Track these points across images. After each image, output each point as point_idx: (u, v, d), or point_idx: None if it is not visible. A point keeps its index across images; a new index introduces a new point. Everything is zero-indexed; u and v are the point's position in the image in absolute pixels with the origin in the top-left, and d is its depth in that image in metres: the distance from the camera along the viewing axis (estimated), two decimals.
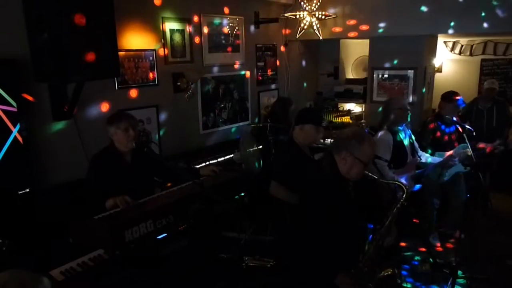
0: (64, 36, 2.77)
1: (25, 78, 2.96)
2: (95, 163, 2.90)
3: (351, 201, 2.36)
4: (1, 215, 2.71)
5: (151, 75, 4.00)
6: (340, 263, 2.24)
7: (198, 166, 3.84)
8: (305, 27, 5.00)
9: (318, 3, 4.87)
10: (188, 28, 4.35)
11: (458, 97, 4.30)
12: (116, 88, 3.70)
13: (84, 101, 3.42)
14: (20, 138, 2.92)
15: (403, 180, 3.77)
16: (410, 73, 5.34)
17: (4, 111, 2.82)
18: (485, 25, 4.55)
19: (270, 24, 5.44)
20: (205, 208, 2.81)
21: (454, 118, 4.25)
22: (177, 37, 4.23)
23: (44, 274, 1.85)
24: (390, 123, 3.91)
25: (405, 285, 3.44)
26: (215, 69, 4.77)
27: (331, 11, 5.27)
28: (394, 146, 3.88)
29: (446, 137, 4.37)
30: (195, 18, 4.44)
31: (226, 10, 4.82)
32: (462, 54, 6.79)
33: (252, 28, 5.22)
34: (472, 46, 6.66)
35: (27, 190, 2.97)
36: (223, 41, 4.81)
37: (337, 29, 5.45)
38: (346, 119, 6.03)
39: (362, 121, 5.86)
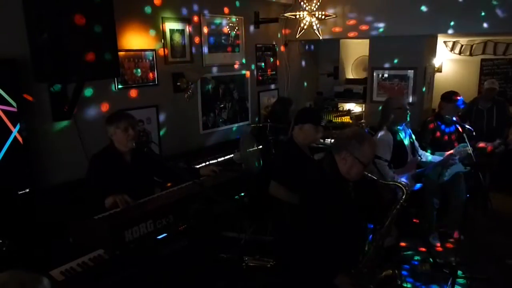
0: (64, 36, 2.77)
1: (25, 78, 2.96)
2: (95, 163, 2.90)
3: (351, 201, 2.36)
4: (1, 215, 2.71)
5: (151, 75, 4.00)
6: (340, 263, 2.24)
7: (198, 166, 3.84)
8: (305, 27, 5.00)
9: (318, 3, 4.87)
10: (188, 28, 4.34)
11: (458, 97, 4.30)
12: (116, 88, 3.71)
13: (84, 101, 3.42)
14: (20, 138, 2.92)
15: (403, 180, 3.77)
16: (410, 73, 5.34)
17: (4, 111, 2.82)
18: (485, 25, 4.55)
19: (270, 24, 5.44)
20: (205, 208, 2.81)
21: (454, 118, 4.25)
22: (177, 37, 4.23)
23: (44, 274, 1.85)
24: (389, 123, 3.91)
25: (405, 285, 3.44)
26: (215, 69, 4.77)
27: (331, 11, 5.27)
28: (394, 146, 3.88)
29: (446, 137, 4.37)
30: (195, 18, 4.44)
31: (226, 10, 4.82)
32: (462, 54, 6.79)
33: (252, 28, 5.22)
34: (472, 46, 6.66)
35: (27, 190, 2.97)
36: (223, 41, 4.81)
37: (337, 29, 5.45)
38: (346, 119, 6.02)
39: (362, 121, 5.87)
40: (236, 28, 4.95)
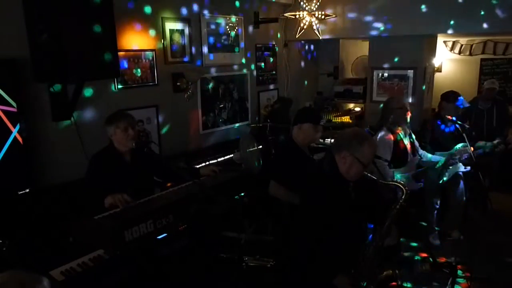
0: (64, 36, 2.77)
1: (25, 78, 2.96)
2: (95, 163, 2.90)
3: (351, 201, 2.36)
4: (1, 215, 2.71)
5: (151, 75, 4.00)
6: (340, 264, 2.24)
7: (198, 166, 3.84)
8: (305, 27, 5.00)
9: (318, 3, 4.86)
10: (188, 28, 4.34)
11: (458, 97, 4.31)
12: (116, 88, 3.71)
13: (84, 101, 3.42)
14: (20, 138, 2.92)
15: (403, 179, 3.78)
16: (410, 72, 5.34)
17: (4, 111, 2.83)
18: (484, 25, 4.55)
19: (270, 24, 5.44)
20: (205, 208, 2.81)
21: (454, 118, 4.25)
22: (177, 37, 4.23)
23: (44, 274, 1.85)
24: (389, 123, 3.91)
25: (405, 285, 3.44)
26: (215, 69, 4.77)
27: (330, 11, 5.27)
28: (395, 145, 3.89)
29: (446, 137, 4.37)
30: (195, 18, 4.43)
31: (226, 10, 4.81)
32: (461, 54, 6.79)
33: (252, 28, 5.22)
34: (471, 45, 6.67)
35: (27, 190, 2.97)
36: (223, 41, 4.81)
37: (337, 29, 5.44)
38: (346, 119, 6.03)
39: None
40: (236, 28, 4.95)
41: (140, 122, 3.91)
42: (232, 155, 4.36)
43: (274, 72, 5.71)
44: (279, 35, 5.72)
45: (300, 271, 2.33)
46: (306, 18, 4.94)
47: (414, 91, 5.36)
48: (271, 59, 5.63)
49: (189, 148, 4.51)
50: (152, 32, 3.97)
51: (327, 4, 5.30)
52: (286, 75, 5.92)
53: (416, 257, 3.96)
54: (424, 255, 3.98)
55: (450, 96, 4.38)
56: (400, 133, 4.00)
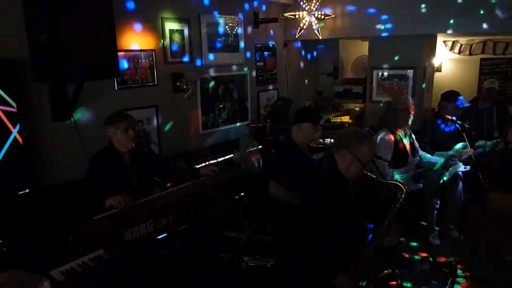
0: (64, 37, 2.77)
1: (24, 78, 2.96)
2: (95, 163, 2.90)
3: (350, 200, 2.36)
4: (1, 215, 2.71)
5: (150, 75, 4.00)
6: (339, 263, 2.24)
7: (198, 166, 3.84)
8: (305, 27, 5.00)
9: (318, 3, 4.87)
10: (188, 28, 4.34)
11: (458, 97, 4.31)
12: (116, 88, 3.70)
13: (83, 102, 3.42)
14: (20, 139, 2.93)
15: (402, 179, 3.77)
16: (410, 72, 5.33)
17: (4, 111, 2.83)
18: (484, 24, 4.55)
19: (270, 24, 5.44)
20: (205, 208, 2.81)
21: (454, 118, 4.26)
22: (176, 37, 4.23)
23: (44, 274, 1.85)
24: (390, 124, 3.91)
25: (405, 284, 3.44)
26: (215, 69, 4.77)
27: (330, 11, 5.27)
28: (394, 146, 3.89)
29: (446, 137, 4.37)
30: (195, 18, 4.43)
31: (225, 10, 4.81)
32: (461, 54, 6.79)
33: (251, 28, 5.22)
34: (471, 45, 6.67)
35: (27, 190, 2.97)
36: (223, 41, 4.81)
37: (337, 29, 5.44)
38: (346, 118, 6.03)
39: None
40: (236, 28, 4.95)
41: (140, 122, 3.91)
42: (232, 155, 4.36)
43: (274, 72, 5.71)
44: (278, 35, 5.72)
45: (300, 271, 2.33)
46: (305, 18, 4.94)
47: (414, 91, 5.36)
48: (271, 59, 5.62)
49: (189, 148, 4.51)
50: (151, 32, 3.97)
51: (326, 4, 5.30)
52: (286, 75, 5.92)
53: (416, 257, 3.96)
54: (424, 254, 3.98)
55: (450, 96, 4.39)
56: (400, 134, 4.00)
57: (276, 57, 5.71)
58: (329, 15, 5.06)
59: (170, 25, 4.15)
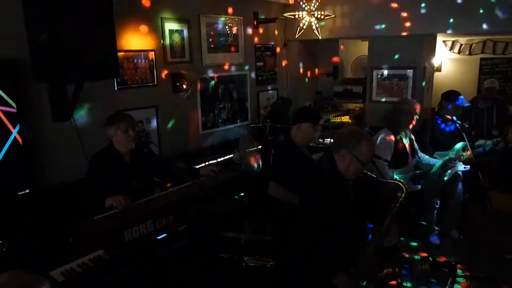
0: (64, 37, 2.77)
1: (24, 78, 2.96)
2: (94, 163, 2.91)
3: (350, 200, 2.36)
4: (1, 215, 2.72)
5: (150, 75, 4.00)
6: (339, 263, 2.25)
7: (197, 166, 3.84)
8: (304, 27, 5.00)
9: (317, 3, 4.87)
10: (187, 29, 4.34)
11: (458, 96, 4.31)
12: (116, 88, 3.71)
13: (83, 102, 3.43)
14: (19, 139, 2.93)
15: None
16: (409, 72, 5.33)
17: (3, 112, 2.83)
18: (484, 24, 4.55)
19: (269, 24, 5.44)
20: (205, 208, 2.81)
21: (455, 118, 4.26)
22: (176, 38, 4.23)
23: (44, 275, 1.85)
24: (393, 124, 3.91)
25: (405, 284, 3.44)
26: (214, 69, 4.77)
27: (330, 11, 5.27)
28: (394, 146, 3.89)
29: (446, 136, 4.38)
30: (194, 19, 4.43)
31: (225, 10, 4.82)
32: (461, 53, 6.80)
33: (251, 28, 5.22)
34: (471, 45, 6.67)
35: (27, 190, 2.97)
36: (222, 41, 4.81)
37: (336, 29, 5.44)
38: (346, 118, 6.03)
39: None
40: (235, 28, 4.95)
41: (140, 123, 3.91)
42: (232, 155, 4.36)
43: (273, 72, 5.71)
44: (278, 35, 5.72)
45: (300, 271, 2.33)
46: (305, 18, 4.94)
47: (414, 90, 5.36)
48: (271, 59, 5.62)
49: (189, 149, 4.51)
50: (151, 33, 3.97)
51: (326, 4, 5.30)
52: (286, 75, 5.92)
53: (416, 257, 3.96)
54: (424, 254, 3.98)
55: (451, 96, 4.39)
56: (400, 134, 4.01)
57: (276, 57, 5.71)
58: (329, 15, 5.06)
59: (170, 25, 4.15)
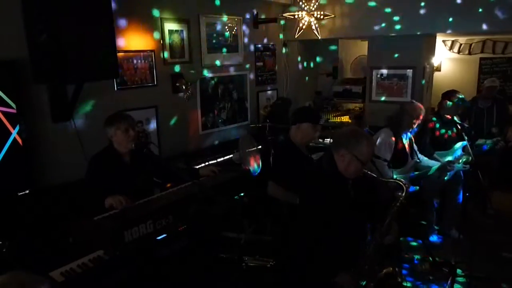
0: (63, 37, 2.77)
1: (24, 79, 2.96)
2: (94, 163, 2.90)
3: (350, 199, 2.37)
4: (1, 216, 2.72)
5: (150, 76, 4.00)
6: (340, 263, 2.25)
7: (197, 167, 3.84)
8: (304, 27, 5.00)
9: (317, 3, 4.87)
10: (187, 29, 4.34)
11: (459, 96, 4.32)
12: (115, 89, 3.71)
13: (83, 102, 3.43)
14: (19, 140, 2.93)
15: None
16: (409, 72, 5.34)
17: (3, 112, 2.83)
18: (483, 24, 4.55)
19: (269, 24, 5.44)
20: (205, 208, 2.81)
21: (456, 118, 4.26)
22: (176, 38, 4.24)
23: (44, 275, 1.85)
24: (396, 125, 3.90)
25: (405, 284, 3.45)
26: (214, 69, 4.77)
27: (329, 11, 5.27)
28: (394, 146, 3.89)
29: (446, 136, 4.38)
30: (194, 19, 4.43)
31: (224, 10, 4.82)
32: (460, 53, 6.80)
33: (251, 28, 5.22)
34: (470, 45, 6.68)
35: (27, 191, 2.97)
36: (222, 42, 4.81)
37: (336, 29, 5.44)
38: (345, 118, 6.03)
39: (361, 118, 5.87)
40: (235, 28, 4.95)
41: (140, 123, 3.91)
42: (232, 155, 4.37)
43: (273, 72, 5.71)
44: (278, 35, 5.72)
45: (300, 271, 2.33)
46: (305, 18, 4.94)
47: (413, 90, 5.36)
48: (270, 59, 5.62)
49: (189, 149, 4.51)
50: (151, 33, 3.98)
51: (325, 4, 5.30)
52: (285, 75, 5.92)
53: (416, 257, 3.96)
54: (424, 254, 3.98)
55: (451, 95, 4.39)
56: (401, 135, 4.01)
57: (276, 57, 5.71)
58: (328, 15, 5.06)
59: (170, 26, 4.15)
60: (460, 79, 6.66)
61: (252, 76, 5.34)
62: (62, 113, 3.28)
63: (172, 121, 4.31)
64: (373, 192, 2.69)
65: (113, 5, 3.10)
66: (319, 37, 5.14)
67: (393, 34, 5.10)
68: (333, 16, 5.17)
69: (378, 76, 5.59)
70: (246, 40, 5.14)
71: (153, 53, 3.99)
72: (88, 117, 3.50)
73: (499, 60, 6.56)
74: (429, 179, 4.09)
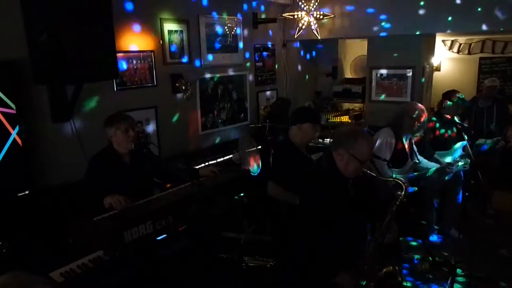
0: (63, 38, 2.77)
1: (24, 80, 2.96)
2: (94, 164, 2.90)
3: (350, 198, 2.37)
4: (1, 217, 2.71)
5: (149, 76, 4.00)
6: (339, 262, 2.25)
7: (197, 167, 3.84)
8: (303, 27, 5.00)
9: (316, 3, 4.87)
10: (187, 29, 4.34)
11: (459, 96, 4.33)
12: (115, 89, 3.71)
13: (83, 103, 3.43)
14: (19, 140, 2.93)
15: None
16: (409, 72, 5.34)
17: (3, 113, 2.83)
18: (483, 23, 4.55)
19: (269, 24, 5.44)
20: (205, 209, 2.81)
21: (456, 118, 4.26)
22: (175, 38, 4.24)
23: (44, 276, 1.85)
24: (396, 126, 3.90)
25: (405, 283, 3.45)
26: (214, 69, 4.77)
27: (329, 10, 5.27)
28: (394, 146, 3.89)
29: (446, 136, 4.38)
30: (194, 19, 4.43)
31: (224, 10, 4.82)
32: (460, 53, 6.80)
33: (250, 28, 5.22)
34: (470, 44, 6.68)
35: (27, 192, 2.97)
36: (222, 42, 4.81)
37: (336, 29, 5.45)
38: (345, 118, 6.03)
39: (361, 120, 5.87)
40: (235, 28, 4.95)
41: (139, 123, 3.91)
42: (231, 155, 4.36)
43: (273, 73, 5.71)
44: (277, 36, 5.72)
45: (300, 271, 2.33)
46: (304, 18, 4.95)
47: (413, 90, 5.36)
48: (270, 59, 5.62)
49: (189, 149, 4.51)
50: (150, 33, 3.97)
51: (325, 4, 5.30)
52: (285, 75, 5.92)
53: (416, 256, 3.97)
54: (424, 254, 3.98)
55: (451, 95, 4.40)
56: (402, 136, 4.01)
57: (275, 57, 5.71)
58: (328, 15, 5.06)
59: (169, 26, 4.15)
60: (459, 78, 6.66)
61: (251, 76, 5.34)
62: (62, 114, 3.28)
63: (172, 122, 4.31)
64: (373, 191, 2.69)
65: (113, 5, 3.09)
66: (319, 37, 5.14)
67: (392, 34, 5.10)
68: (332, 16, 5.17)
69: (378, 76, 5.59)
70: (245, 40, 5.14)
71: (152, 53, 3.99)
72: (87, 118, 3.50)
73: (498, 59, 6.56)
74: (429, 179, 4.09)
